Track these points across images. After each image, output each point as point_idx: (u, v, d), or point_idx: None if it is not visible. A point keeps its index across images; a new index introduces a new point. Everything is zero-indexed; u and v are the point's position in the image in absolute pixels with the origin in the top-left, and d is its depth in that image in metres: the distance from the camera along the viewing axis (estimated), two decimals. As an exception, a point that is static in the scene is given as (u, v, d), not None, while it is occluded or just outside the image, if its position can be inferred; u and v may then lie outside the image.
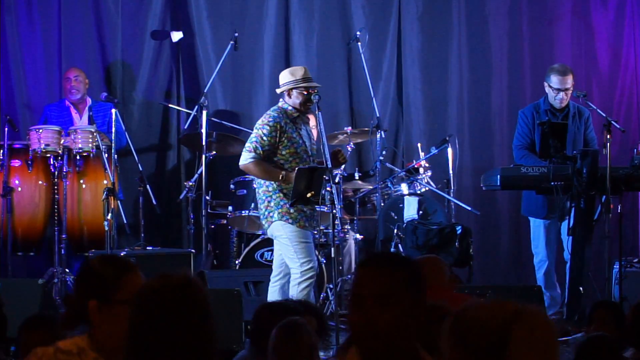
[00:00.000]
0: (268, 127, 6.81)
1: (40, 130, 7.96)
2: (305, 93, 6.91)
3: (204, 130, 8.01)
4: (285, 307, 4.33)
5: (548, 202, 7.70)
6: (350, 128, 8.85)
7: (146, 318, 2.74)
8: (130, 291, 2.92)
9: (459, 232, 7.89)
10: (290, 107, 6.89)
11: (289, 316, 4.09)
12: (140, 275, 3.01)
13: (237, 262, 8.35)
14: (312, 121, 7.34)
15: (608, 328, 4.58)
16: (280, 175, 6.77)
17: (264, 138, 6.80)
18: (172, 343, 2.72)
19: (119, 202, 7.59)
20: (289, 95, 6.90)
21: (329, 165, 6.73)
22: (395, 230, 8.08)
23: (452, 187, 8.60)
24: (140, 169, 8.19)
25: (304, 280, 6.83)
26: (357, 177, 8.78)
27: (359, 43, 9.14)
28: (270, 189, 6.86)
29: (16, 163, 8.06)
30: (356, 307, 2.63)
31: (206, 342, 2.77)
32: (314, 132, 7.32)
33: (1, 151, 7.97)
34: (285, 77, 6.98)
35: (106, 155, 7.73)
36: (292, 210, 6.86)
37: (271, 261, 8.32)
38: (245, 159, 6.86)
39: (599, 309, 4.72)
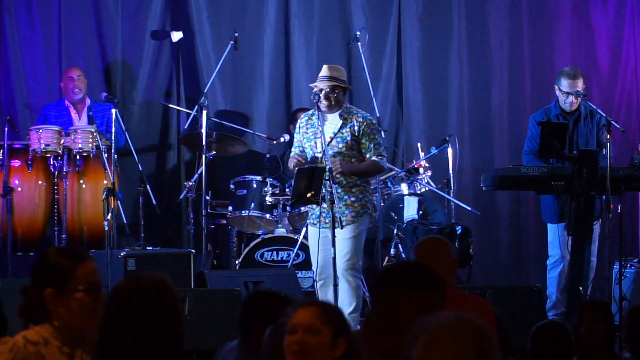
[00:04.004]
0: (296, 127, 7.33)
1: (40, 130, 7.96)
2: (314, 93, 7.07)
3: (204, 130, 8.00)
4: (275, 295, 4.33)
5: (560, 206, 7.67)
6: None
7: (116, 317, 2.80)
8: (83, 280, 3.01)
9: (459, 232, 7.88)
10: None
11: (280, 306, 4.11)
12: (93, 264, 3.08)
13: (237, 262, 8.35)
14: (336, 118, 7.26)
15: (598, 328, 4.59)
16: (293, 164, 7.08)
17: (295, 135, 7.29)
18: (141, 342, 2.77)
19: (119, 202, 7.58)
20: None
21: (329, 165, 6.75)
22: (395, 230, 8.08)
23: (452, 187, 8.59)
24: (140, 169, 8.18)
25: (315, 279, 7.08)
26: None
27: (359, 43, 9.14)
28: None
29: (16, 163, 8.05)
30: None
31: (174, 342, 2.81)
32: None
33: (1, 151, 7.96)
34: None
35: (106, 155, 7.73)
36: (307, 210, 7.10)
37: (271, 261, 8.35)
38: None
39: (588, 309, 4.72)
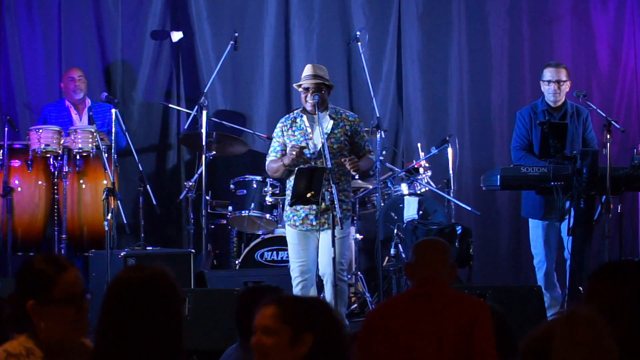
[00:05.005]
0: (275, 131, 7.16)
1: (40, 131, 7.96)
2: (302, 92, 7.06)
3: (204, 130, 8.01)
4: (267, 290, 4.32)
5: (545, 203, 7.66)
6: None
7: (115, 307, 2.79)
8: (66, 290, 2.96)
9: (459, 232, 7.88)
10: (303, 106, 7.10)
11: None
12: (77, 273, 3.02)
13: (237, 262, 8.35)
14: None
15: None
16: (281, 162, 6.99)
17: (274, 140, 7.13)
18: (140, 334, 2.75)
19: (119, 202, 7.58)
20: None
21: (329, 166, 6.74)
22: (395, 230, 8.08)
23: (452, 187, 8.59)
24: (140, 169, 8.18)
25: (293, 280, 6.98)
26: (357, 177, 8.77)
27: (359, 43, 9.13)
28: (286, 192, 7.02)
29: (16, 163, 8.06)
30: None
31: (173, 336, 2.80)
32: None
33: (1, 151, 7.97)
34: None
35: (106, 155, 7.73)
36: (288, 211, 7.03)
37: (271, 261, 8.34)
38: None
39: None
